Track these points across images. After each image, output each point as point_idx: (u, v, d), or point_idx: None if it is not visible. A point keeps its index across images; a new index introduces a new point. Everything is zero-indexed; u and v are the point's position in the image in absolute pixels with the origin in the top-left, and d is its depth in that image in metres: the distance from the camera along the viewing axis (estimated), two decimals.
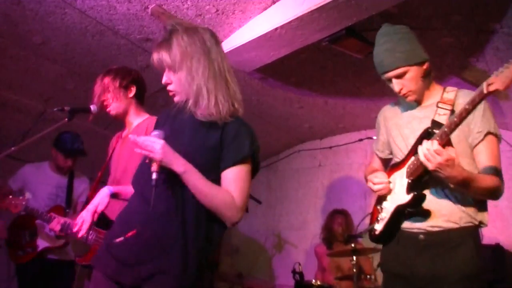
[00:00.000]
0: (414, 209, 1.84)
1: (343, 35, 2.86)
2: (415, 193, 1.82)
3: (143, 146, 1.49)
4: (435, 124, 1.83)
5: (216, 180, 1.56)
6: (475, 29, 2.81)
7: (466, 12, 2.66)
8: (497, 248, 3.50)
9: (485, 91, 1.56)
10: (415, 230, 1.85)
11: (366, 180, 2.26)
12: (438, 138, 1.68)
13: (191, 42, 1.58)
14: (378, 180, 1.97)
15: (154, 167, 1.49)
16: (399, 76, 1.86)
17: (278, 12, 2.74)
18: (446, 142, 1.70)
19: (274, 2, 2.77)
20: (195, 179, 1.50)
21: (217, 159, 1.56)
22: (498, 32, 2.77)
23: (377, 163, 2.24)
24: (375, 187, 1.98)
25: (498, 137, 1.85)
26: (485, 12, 2.63)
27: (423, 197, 1.82)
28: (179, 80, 1.59)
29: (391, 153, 2.14)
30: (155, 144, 1.48)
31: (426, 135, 1.82)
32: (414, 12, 2.70)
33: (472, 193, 1.77)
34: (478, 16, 2.68)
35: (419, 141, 1.84)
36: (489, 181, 1.75)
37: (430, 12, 2.71)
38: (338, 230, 4.16)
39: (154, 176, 1.47)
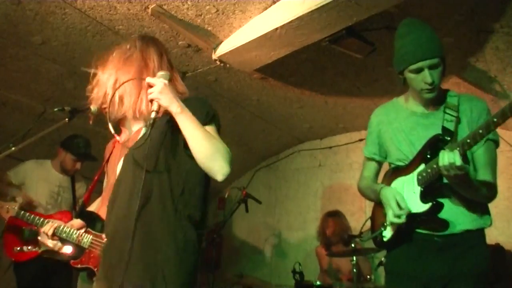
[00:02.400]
0: (431, 217, 1.81)
1: (343, 35, 2.86)
2: (434, 202, 1.79)
3: (150, 83, 1.54)
4: (445, 130, 1.82)
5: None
6: (475, 29, 2.81)
7: (466, 12, 2.66)
8: (497, 248, 3.51)
9: None
10: (430, 232, 1.85)
11: (362, 193, 2.18)
12: (459, 149, 1.63)
13: (119, 52, 1.71)
14: (402, 212, 1.82)
15: (154, 105, 1.52)
16: (434, 67, 1.80)
17: (278, 12, 2.74)
18: (465, 155, 1.68)
19: (274, 2, 2.77)
20: (191, 120, 1.50)
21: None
22: (498, 32, 2.77)
23: (371, 171, 2.16)
24: (398, 220, 1.82)
25: (497, 143, 1.87)
26: (485, 12, 2.63)
27: (441, 206, 1.79)
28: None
29: (386, 157, 2.09)
30: (158, 83, 1.52)
31: (436, 141, 1.80)
32: (414, 12, 2.70)
33: (468, 196, 1.81)
34: (478, 16, 2.68)
35: (428, 148, 1.83)
36: (485, 190, 1.80)
37: (430, 12, 2.71)
38: (331, 233, 4.15)
39: (152, 115, 1.51)
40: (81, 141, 3.36)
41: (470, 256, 1.79)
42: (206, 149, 1.49)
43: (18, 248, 3.14)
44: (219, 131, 1.66)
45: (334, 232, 4.13)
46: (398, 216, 1.83)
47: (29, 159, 3.48)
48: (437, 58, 1.80)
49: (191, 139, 1.50)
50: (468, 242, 1.81)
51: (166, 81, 1.54)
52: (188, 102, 1.59)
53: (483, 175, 1.82)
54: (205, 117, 1.58)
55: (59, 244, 3.13)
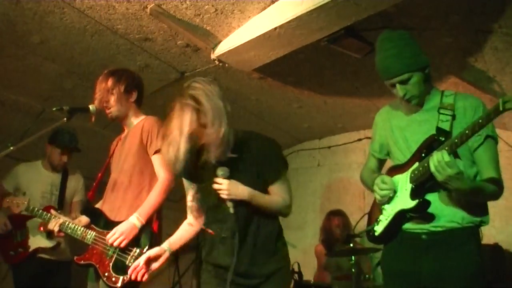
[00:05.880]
0: (418, 214, 1.86)
1: (342, 35, 2.86)
2: (421, 199, 1.84)
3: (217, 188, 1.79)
4: (440, 131, 1.85)
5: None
6: (474, 29, 2.81)
7: (465, 12, 2.67)
8: (496, 248, 3.52)
9: (501, 108, 1.57)
10: (418, 231, 1.88)
11: (363, 181, 2.27)
12: (447, 149, 1.69)
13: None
14: (386, 186, 1.95)
15: (230, 204, 1.78)
16: (403, 82, 1.87)
17: (277, 12, 2.74)
18: (454, 153, 1.72)
19: (273, 2, 2.77)
20: (259, 200, 1.85)
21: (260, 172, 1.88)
22: (497, 32, 2.77)
23: (373, 164, 2.24)
24: (382, 193, 1.96)
25: (496, 140, 1.89)
26: (484, 12, 2.64)
27: (428, 204, 1.83)
28: None
29: (388, 154, 2.15)
30: (222, 186, 1.78)
31: (432, 142, 1.84)
32: (412, 12, 2.70)
33: (477, 199, 1.83)
34: (476, 16, 2.68)
35: (424, 148, 1.86)
36: (492, 187, 1.80)
37: (428, 12, 2.71)
38: (336, 232, 4.15)
39: (231, 211, 1.78)
40: (66, 134, 3.33)
41: (457, 255, 1.80)
42: (274, 210, 1.94)
43: (12, 252, 3.17)
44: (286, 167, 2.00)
45: (340, 229, 4.14)
46: (382, 193, 1.94)
47: (28, 159, 3.47)
48: (405, 73, 1.86)
49: (262, 208, 1.88)
50: (455, 240, 1.81)
51: (228, 181, 1.78)
52: (259, 146, 1.89)
53: (486, 172, 1.84)
54: (276, 175, 1.92)
55: (53, 242, 3.15)
